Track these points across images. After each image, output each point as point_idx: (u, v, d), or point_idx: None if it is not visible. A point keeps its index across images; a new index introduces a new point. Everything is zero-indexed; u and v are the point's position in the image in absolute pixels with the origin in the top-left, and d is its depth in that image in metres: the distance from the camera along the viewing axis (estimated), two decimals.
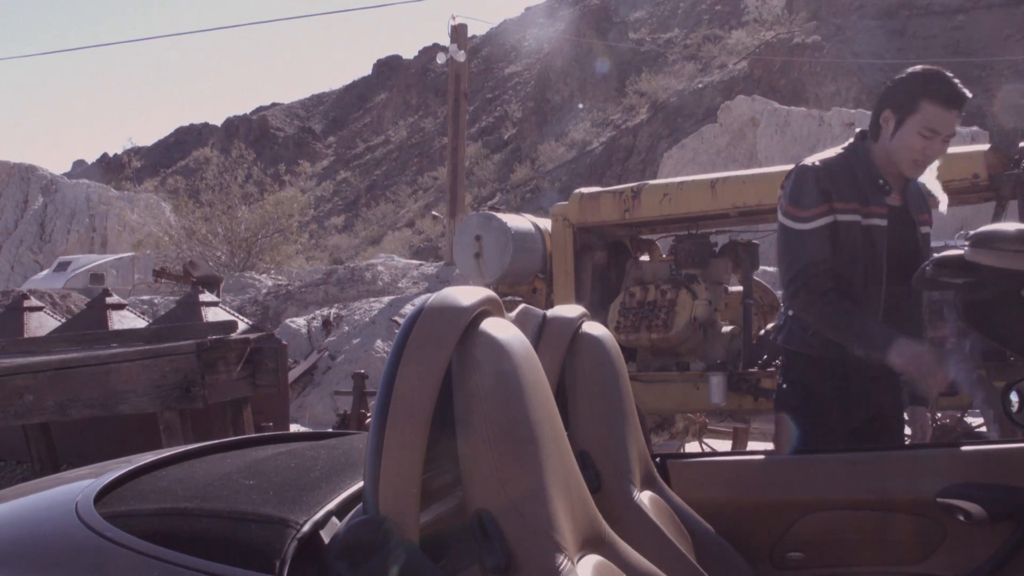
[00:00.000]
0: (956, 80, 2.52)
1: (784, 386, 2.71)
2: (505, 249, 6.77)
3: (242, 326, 5.14)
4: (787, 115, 19.50)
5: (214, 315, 5.50)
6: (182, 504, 1.25)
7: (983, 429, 4.91)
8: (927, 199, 2.83)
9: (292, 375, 9.89)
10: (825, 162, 2.65)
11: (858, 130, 2.71)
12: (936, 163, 2.68)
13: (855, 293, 2.58)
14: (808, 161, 2.69)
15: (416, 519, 1.10)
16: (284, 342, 4.93)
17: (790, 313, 2.69)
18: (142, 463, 1.46)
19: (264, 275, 18.85)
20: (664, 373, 5.53)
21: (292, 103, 62.83)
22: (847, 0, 32.04)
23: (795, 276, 2.56)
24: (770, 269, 9.98)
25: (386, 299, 13.22)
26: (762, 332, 5.70)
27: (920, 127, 2.51)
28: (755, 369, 5.17)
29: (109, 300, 5.71)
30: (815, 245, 2.56)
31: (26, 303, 6.08)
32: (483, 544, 1.11)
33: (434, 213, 24.92)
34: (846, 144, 2.72)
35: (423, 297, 1.23)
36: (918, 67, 2.60)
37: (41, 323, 5.91)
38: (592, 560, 1.25)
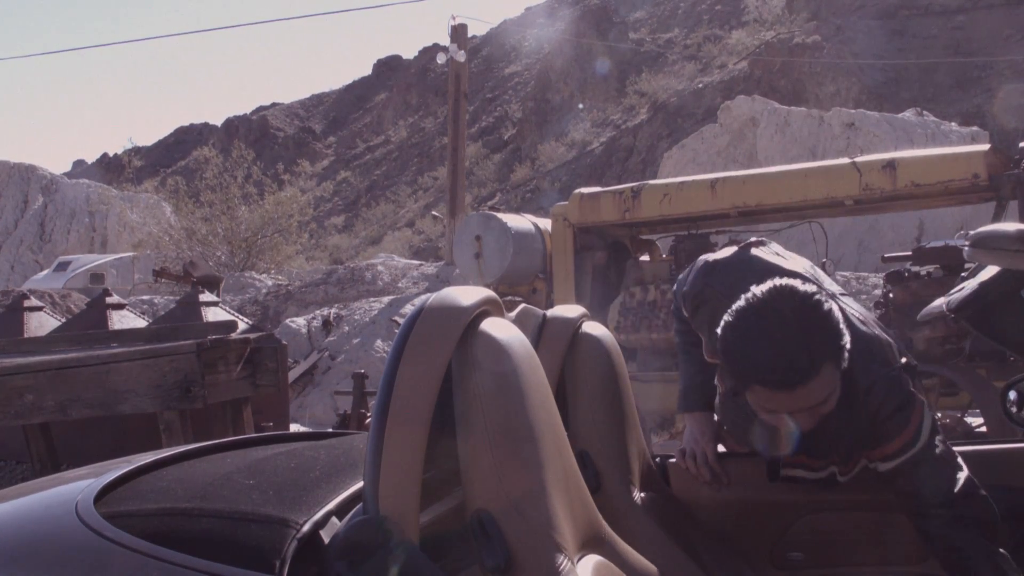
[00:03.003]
0: (786, 358, 1.74)
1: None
2: (505, 249, 6.78)
3: (242, 326, 5.14)
4: (787, 115, 19.49)
5: (214, 315, 5.50)
6: (182, 504, 1.25)
7: (983, 429, 4.91)
8: (861, 439, 1.96)
9: (292, 375, 9.89)
10: (714, 293, 2.13)
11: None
12: None
13: None
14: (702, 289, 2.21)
15: (416, 519, 1.10)
16: (284, 342, 4.92)
17: None
18: (142, 463, 1.46)
19: (264, 275, 18.85)
20: (664, 373, 5.53)
21: (292, 103, 62.82)
22: (847, 0, 32.04)
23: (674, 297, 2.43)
24: None
25: (386, 299, 13.23)
26: None
27: (757, 407, 1.87)
28: None
29: (109, 300, 5.71)
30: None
31: (26, 303, 6.08)
32: (483, 544, 1.11)
33: (434, 213, 24.93)
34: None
35: (423, 297, 1.23)
36: (744, 343, 1.79)
37: (41, 323, 5.91)
38: (592, 560, 1.25)
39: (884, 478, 1.97)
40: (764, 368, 1.75)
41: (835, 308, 1.80)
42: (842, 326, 1.79)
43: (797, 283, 1.80)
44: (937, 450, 1.93)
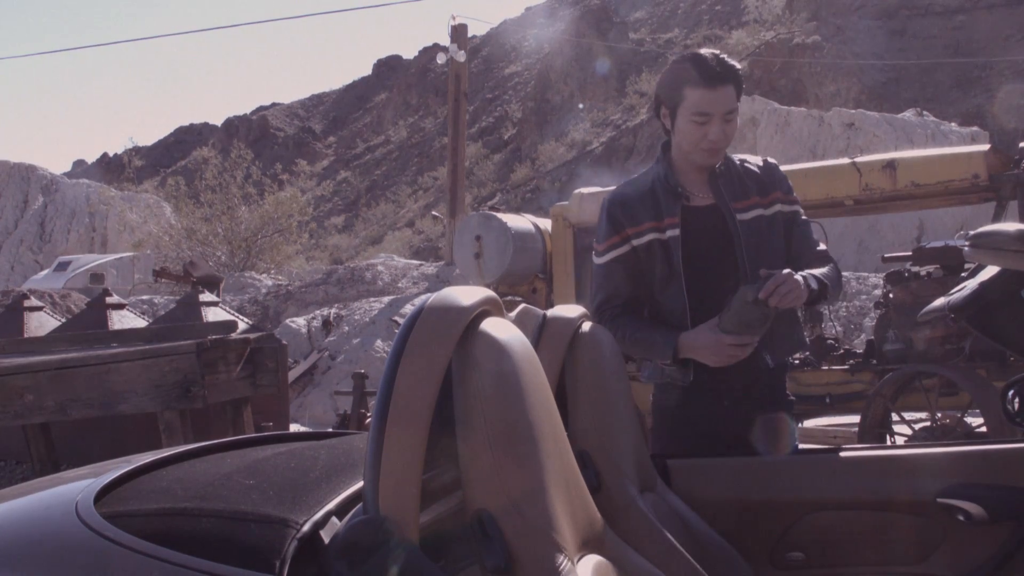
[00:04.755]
0: (715, 57, 2.51)
1: (653, 411, 2.69)
2: (505, 249, 6.79)
3: (242, 326, 5.14)
4: (787, 115, 19.51)
5: (214, 315, 5.50)
6: (182, 504, 1.25)
7: (983, 429, 4.91)
8: (762, 178, 2.67)
9: (292, 375, 9.89)
10: (623, 188, 2.68)
11: (663, 142, 2.71)
12: None
13: (662, 305, 2.59)
14: (610, 191, 2.75)
15: (416, 519, 1.10)
16: (284, 342, 4.92)
17: None
18: (142, 463, 1.46)
19: (264, 275, 18.85)
20: None
21: (292, 103, 62.84)
22: (847, 0, 32.05)
23: (594, 311, 2.64)
24: None
25: (386, 299, 13.23)
26: None
27: (690, 115, 2.49)
28: None
29: (109, 300, 5.71)
30: (606, 279, 2.63)
31: (26, 303, 6.08)
32: (483, 544, 1.11)
33: (434, 213, 24.91)
34: (656, 159, 2.72)
35: (423, 297, 1.23)
36: (679, 56, 2.60)
37: (41, 323, 5.91)
38: (592, 560, 1.25)
39: (794, 223, 2.67)
40: (697, 66, 2.47)
41: None
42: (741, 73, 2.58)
43: None
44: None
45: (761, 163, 2.72)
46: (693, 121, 2.49)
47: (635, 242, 2.57)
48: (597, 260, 2.66)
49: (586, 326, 1.83)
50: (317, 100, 62.83)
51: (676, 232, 2.54)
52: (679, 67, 2.53)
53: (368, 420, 5.72)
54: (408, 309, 7.12)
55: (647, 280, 2.59)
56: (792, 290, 2.33)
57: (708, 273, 2.55)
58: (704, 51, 2.55)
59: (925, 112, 19.59)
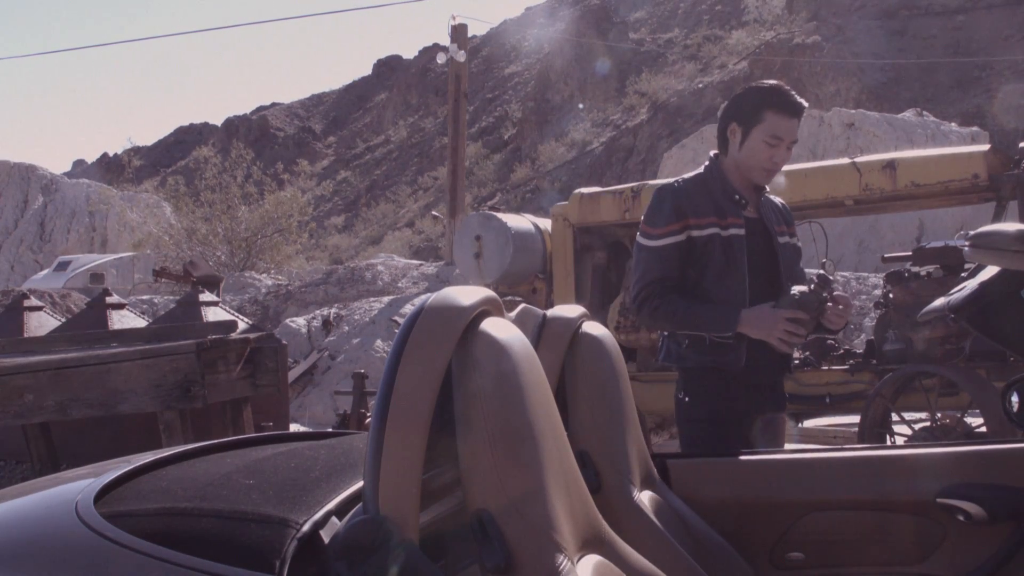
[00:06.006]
0: (794, 92, 2.77)
1: (685, 399, 2.83)
2: (505, 249, 6.79)
3: (242, 326, 5.14)
4: None
5: (214, 315, 5.50)
6: (182, 504, 1.25)
7: (983, 429, 4.91)
8: (785, 214, 3.00)
9: (292, 375, 9.88)
10: (684, 182, 2.87)
11: (712, 152, 2.90)
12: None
13: (716, 295, 2.77)
14: (667, 182, 2.94)
15: (416, 519, 1.10)
16: (284, 342, 4.92)
17: (665, 333, 2.91)
18: (142, 463, 1.46)
19: (264, 275, 18.84)
20: (664, 373, 5.53)
21: (292, 103, 62.79)
22: (847, 0, 32.04)
23: (640, 289, 2.79)
24: None
25: (386, 299, 13.22)
26: None
27: (765, 136, 2.73)
28: None
29: (109, 300, 5.71)
30: (660, 261, 2.77)
31: (26, 303, 6.08)
32: (483, 544, 1.11)
33: (434, 213, 24.88)
34: (704, 165, 2.91)
35: (423, 297, 1.22)
36: (760, 83, 2.87)
37: (41, 323, 5.91)
38: (592, 560, 1.25)
39: (798, 252, 2.98)
40: (784, 95, 2.72)
41: None
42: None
43: None
44: None
45: (781, 203, 3.01)
46: (766, 142, 2.72)
47: (694, 232, 2.75)
48: (649, 242, 2.79)
49: (586, 326, 1.83)
50: (317, 100, 62.79)
51: (740, 232, 2.77)
52: (763, 92, 2.77)
53: (368, 420, 5.72)
54: (408, 309, 7.12)
55: (694, 269, 2.78)
56: (845, 315, 2.69)
57: (759, 275, 2.80)
58: (781, 84, 2.83)
59: (925, 112, 19.57)
